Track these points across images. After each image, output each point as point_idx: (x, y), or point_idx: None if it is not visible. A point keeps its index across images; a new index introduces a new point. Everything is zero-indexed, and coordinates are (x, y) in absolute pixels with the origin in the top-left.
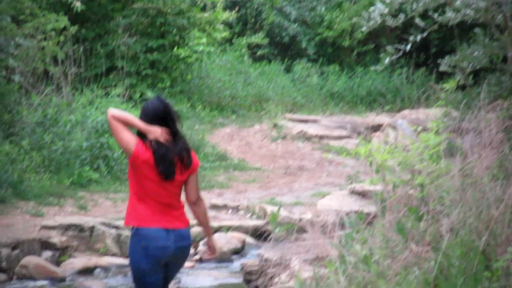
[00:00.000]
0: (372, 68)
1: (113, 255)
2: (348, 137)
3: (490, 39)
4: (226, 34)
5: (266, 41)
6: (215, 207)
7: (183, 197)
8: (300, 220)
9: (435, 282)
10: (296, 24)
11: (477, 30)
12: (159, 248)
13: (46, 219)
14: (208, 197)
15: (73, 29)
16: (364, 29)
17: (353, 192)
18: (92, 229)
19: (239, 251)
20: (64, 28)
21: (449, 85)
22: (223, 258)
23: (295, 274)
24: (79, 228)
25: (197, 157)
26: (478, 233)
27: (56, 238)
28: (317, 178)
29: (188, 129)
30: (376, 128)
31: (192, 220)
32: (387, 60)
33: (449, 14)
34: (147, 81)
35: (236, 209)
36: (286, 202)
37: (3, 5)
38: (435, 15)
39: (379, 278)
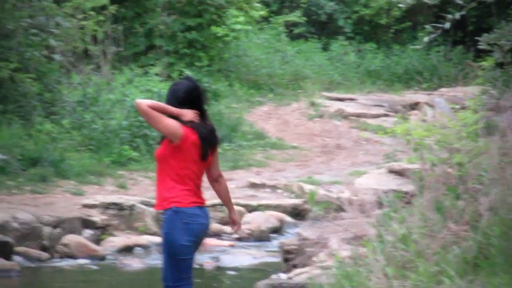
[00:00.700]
0: (411, 46)
1: (153, 234)
2: (386, 115)
3: None
4: (263, 12)
5: (303, 19)
6: (253, 185)
7: None
8: (338, 198)
9: (474, 262)
10: (333, 2)
11: None
12: (199, 225)
13: (86, 197)
14: (246, 176)
15: (112, 8)
16: (401, 5)
17: (391, 171)
18: (132, 207)
19: (277, 230)
20: (104, 7)
21: (487, 63)
22: (262, 237)
23: (333, 253)
24: (119, 207)
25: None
26: None
27: (97, 216)
28: (354, 157)
29: (226, 107)
30: (414, 106)
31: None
32: (426, 39)
33: None
34: (185, 60)
35: (274, 188)
36: (323, 180)
37: None
38: None
39: (417, 257)
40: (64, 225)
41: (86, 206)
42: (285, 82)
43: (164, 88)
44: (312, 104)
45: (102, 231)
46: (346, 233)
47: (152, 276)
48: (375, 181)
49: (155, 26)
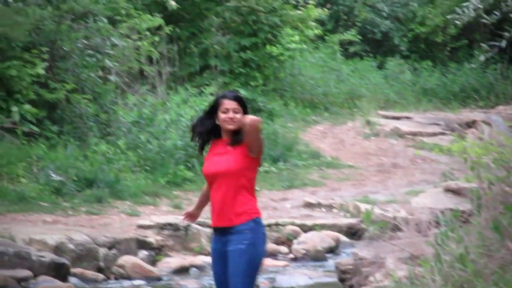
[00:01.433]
0: (467, 66)
1: (208, 254)
2: (442, 133)
3: None
4: (318, 31)
5: (358, 38)
6: (308, 205)
7: None
8: (394, 218)
9: None
10: (389, 21)
11: None
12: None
13: (142, 218)
14: (302, 195)
15: (167, 29)
16: (457, 22)
17: (448, 190)
18: (187, 228)
19: (333, 250)
20: (159, 28)
21: None
22: (318, 257)
23: (390, 273)
24: (174, 227)
25: None
26: None
27: (152, 237)
28: (410, 176)
29: (281, 127)
30: (470, 124)
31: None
32: (482, 57)
33: None
34: (240, 80)
35: (329, 207)
36: (379, 200)
37: (100, 6)
38: None
39: (475, 277)
40: (120, 246)
41: (141, 226)
42: (341, 101)
43: None
44: (368, 122)
45: (157, 252)
46: (403, 253)
47: None
48: (431, 200)
49: (210, 46)
